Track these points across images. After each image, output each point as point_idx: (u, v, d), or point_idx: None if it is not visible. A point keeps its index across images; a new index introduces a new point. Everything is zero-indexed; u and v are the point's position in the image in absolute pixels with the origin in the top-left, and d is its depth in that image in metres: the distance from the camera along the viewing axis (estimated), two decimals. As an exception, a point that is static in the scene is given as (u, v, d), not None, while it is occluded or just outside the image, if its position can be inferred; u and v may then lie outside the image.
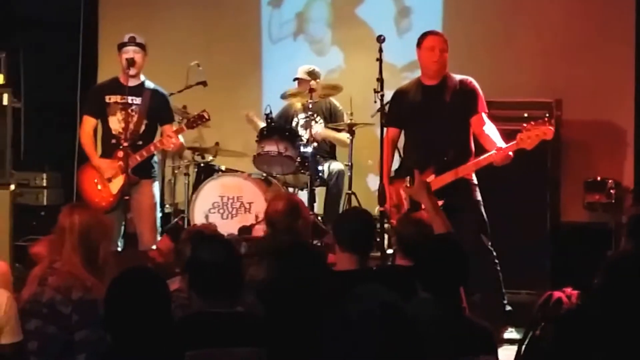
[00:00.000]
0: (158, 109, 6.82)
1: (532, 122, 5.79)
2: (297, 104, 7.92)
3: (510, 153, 5.79)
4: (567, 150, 7.74)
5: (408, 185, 5.95)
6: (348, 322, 2.46)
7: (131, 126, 6.65)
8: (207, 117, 6.87)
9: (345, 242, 4.44)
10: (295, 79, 7.99)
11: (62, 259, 4.12)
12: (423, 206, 5.00)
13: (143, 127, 6.76)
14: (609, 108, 8.07)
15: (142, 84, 6.81)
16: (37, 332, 4.01)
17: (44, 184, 8.77)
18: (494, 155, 5.83)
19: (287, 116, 8.05)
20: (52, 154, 8.84)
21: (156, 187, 6.94)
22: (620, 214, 7.26)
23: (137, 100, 6.73)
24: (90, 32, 9.15)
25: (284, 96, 7.82)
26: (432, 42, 6.13)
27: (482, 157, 5.92)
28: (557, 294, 3.85)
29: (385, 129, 6.11)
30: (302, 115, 7.77)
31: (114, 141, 6.74)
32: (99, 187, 6.74)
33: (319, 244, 6.44)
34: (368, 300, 2.52)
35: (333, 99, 7.97)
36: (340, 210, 7.56)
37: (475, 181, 6.05)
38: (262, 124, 7.64)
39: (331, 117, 7.90)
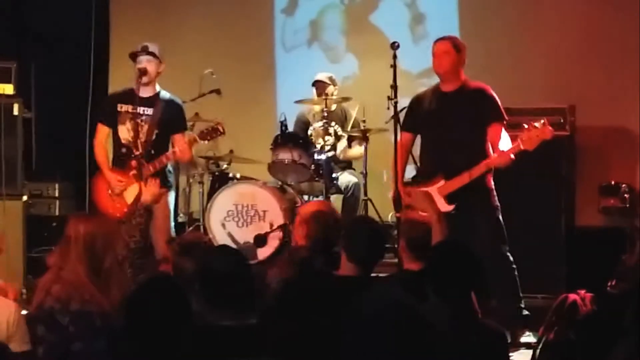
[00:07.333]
0: (170, 119, 6.67)
1: (532, 124, 5.80)
2: (315, 108, 7.93)
3: (512, 155, 5.81)
4: (581, 155, 7.71)
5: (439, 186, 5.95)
6: (362, 324, 2.45)
7: (141, 136, 6.59)
8: (221, 130, 6.65)
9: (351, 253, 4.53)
10: (314, 83, 7.99)
11: (67, 268, 4.11)
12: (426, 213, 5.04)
13: (154, 137, 6.62)
14: (622, 113, 8.04)
15: (157, 94, 6.70)
16: (43, 338, 4.02)
17: (57, 195, 8.70)
18: (495, 158, 5.85)
19: (303, 123, 8.06)
20: (64, 164, 8.78)
21: (171, 196, 6.84)
22: (634, 218, 7.23)
23: (149, 111, 6.63)
24: (102, 42, 9.09)
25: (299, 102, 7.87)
26: (434, 49, 6.16)
27: (486, 160, 5.91)
28: (571, 297, 3.84)
29: (399, 134, 6.12)
30: (318, 124, 7.77)
31: (124, 150, 6.66)
32: (113, 197, 6.71)
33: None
34: (382, 301, 2.51)
35: (347, 106, 7.99)
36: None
37: (491, 186, 6.03)
38: None
39: (345, 123, 7.92)
